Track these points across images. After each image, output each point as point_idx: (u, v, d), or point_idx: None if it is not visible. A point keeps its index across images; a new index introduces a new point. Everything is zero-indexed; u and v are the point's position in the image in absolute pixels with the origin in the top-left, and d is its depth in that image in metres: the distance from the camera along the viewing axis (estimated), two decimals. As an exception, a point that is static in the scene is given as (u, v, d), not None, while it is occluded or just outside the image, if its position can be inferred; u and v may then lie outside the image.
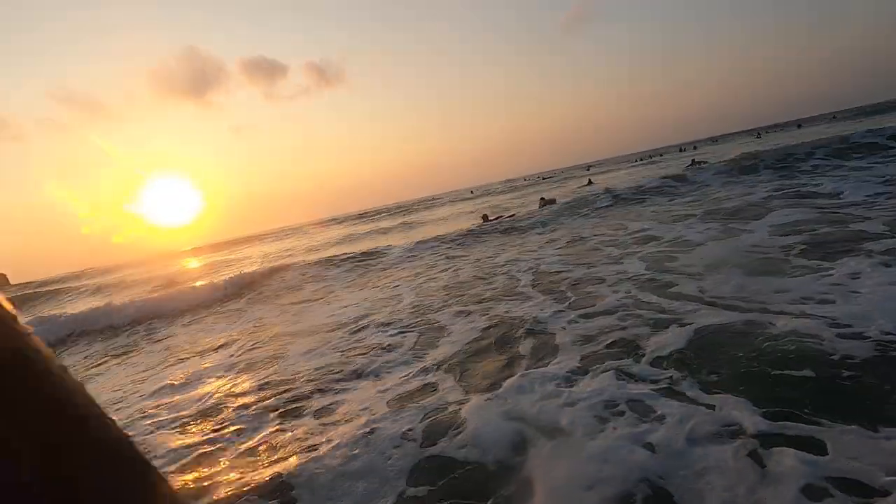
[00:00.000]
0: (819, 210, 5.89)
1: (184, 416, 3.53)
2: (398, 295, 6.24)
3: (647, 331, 3.21)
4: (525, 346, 3.42)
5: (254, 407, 3.41)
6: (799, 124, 57.05)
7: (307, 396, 3.42)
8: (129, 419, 3.73)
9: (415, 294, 6.05)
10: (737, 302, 3.38)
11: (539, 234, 8.88)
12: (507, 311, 4.33)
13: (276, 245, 26.68)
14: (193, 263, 23.52)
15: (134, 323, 8.82)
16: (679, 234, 6.30)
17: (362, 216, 42.34)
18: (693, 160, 21.33)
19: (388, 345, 4.18)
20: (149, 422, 3.57)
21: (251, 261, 18.34)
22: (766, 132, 53.47)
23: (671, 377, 2.53)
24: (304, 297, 7.80)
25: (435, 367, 3.45)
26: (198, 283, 10.59)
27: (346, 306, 6.34)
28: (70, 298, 19.06)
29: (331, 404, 3.19)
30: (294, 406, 3.30)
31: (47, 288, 24.63)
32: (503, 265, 6.69)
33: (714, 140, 66.77)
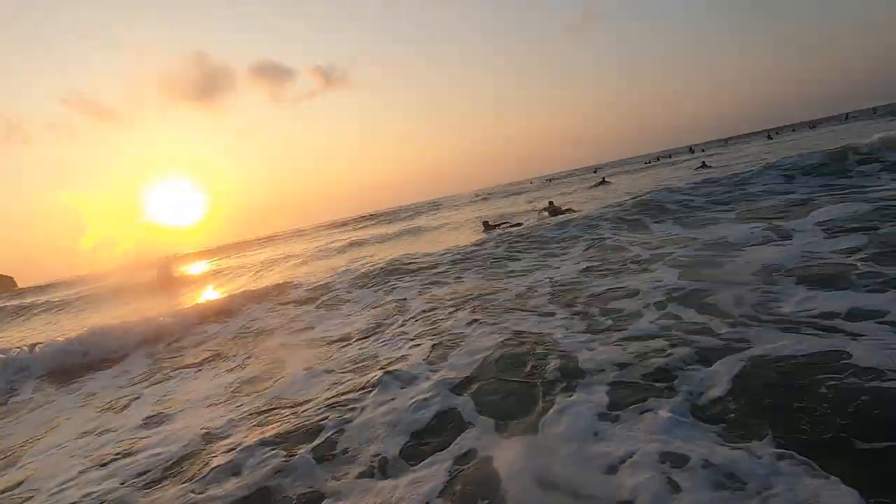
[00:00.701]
0: (874, 204, 5.37)
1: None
2: (405, 309, 5.82)
3: (690, 359, 2.75)
4: (549, 374, 2.96)
5: (236, 452, 3.00)
6: (813, 125, 56.13)
7: (304, 432, 3.00)
8: None
9: (421, 308, 5.62)
10: (803, 323, 2.90)
11: (552, 240, 8.40)
12: (522, 329, 3.88)
13: (279, 249, 26.37)
14: (192, 270, 23.18)
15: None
16: (718, 235, 5.82)
17: (366, 220, 42.00)
18: (703, 162, 20.77)
19: (397, 370, 3.75)
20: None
21: (249, 267, 18.01)
22: (777, 133, 52.62)
23: (730, 426, 2.08)
24: (305, 310, 7.38)
25: (450, 389, 3.02)
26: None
27: (352, 319, 5.93)
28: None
29: (329, 446, 2.77)
30: (283, 456, 2.88)
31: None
32: (514, 276, 6.25)
33: (725, 142, 65.86)
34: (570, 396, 2.61)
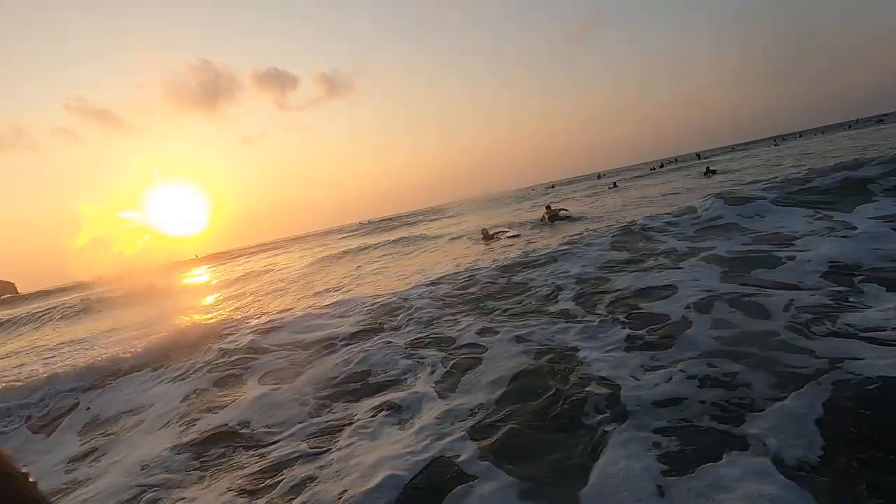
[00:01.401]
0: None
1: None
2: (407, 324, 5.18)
3: (762, 387, 2.13)
4: (586, 412, 2.33)
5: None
6: (822, 131, 55.59)
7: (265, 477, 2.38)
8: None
9: (429, 317, 4.99)
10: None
11: (568, 248, 7.73)
12: (547, 343, 3.25)
13: (280, 257, 25.80)
14: (188, 276, 22.55)
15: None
16: (771, 224, 5.15)
17: (367, 226, 41.49)
18: (707, 168, 20.15)
19: (390, 392, 3.13)
20: None
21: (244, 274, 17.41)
22: (783, 140, 52.04)
23: (825, 492, 1.47)
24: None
25: (457, 428, 2.40)
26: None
27: (347, 324, 5.30)
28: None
29: (295, 493, 2.15)
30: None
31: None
32: (533, 282, 5.61)
33: (732, 148, 65.42)
34: (614, 448, 1.99)
